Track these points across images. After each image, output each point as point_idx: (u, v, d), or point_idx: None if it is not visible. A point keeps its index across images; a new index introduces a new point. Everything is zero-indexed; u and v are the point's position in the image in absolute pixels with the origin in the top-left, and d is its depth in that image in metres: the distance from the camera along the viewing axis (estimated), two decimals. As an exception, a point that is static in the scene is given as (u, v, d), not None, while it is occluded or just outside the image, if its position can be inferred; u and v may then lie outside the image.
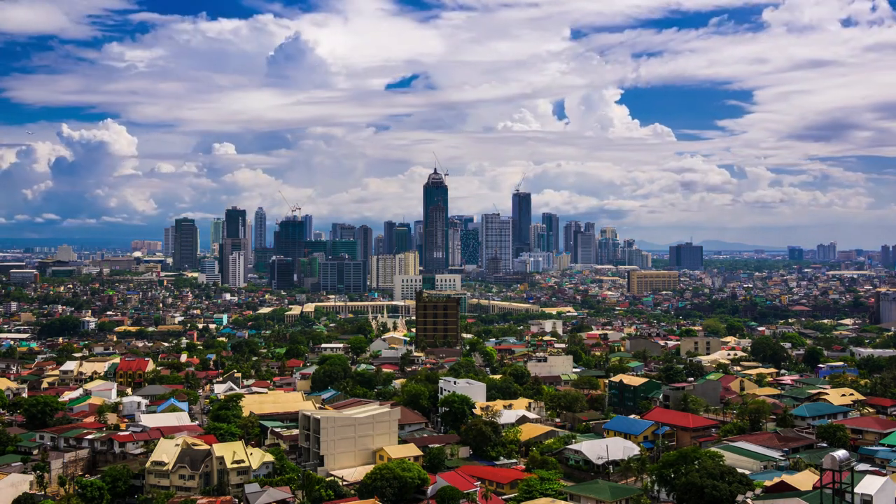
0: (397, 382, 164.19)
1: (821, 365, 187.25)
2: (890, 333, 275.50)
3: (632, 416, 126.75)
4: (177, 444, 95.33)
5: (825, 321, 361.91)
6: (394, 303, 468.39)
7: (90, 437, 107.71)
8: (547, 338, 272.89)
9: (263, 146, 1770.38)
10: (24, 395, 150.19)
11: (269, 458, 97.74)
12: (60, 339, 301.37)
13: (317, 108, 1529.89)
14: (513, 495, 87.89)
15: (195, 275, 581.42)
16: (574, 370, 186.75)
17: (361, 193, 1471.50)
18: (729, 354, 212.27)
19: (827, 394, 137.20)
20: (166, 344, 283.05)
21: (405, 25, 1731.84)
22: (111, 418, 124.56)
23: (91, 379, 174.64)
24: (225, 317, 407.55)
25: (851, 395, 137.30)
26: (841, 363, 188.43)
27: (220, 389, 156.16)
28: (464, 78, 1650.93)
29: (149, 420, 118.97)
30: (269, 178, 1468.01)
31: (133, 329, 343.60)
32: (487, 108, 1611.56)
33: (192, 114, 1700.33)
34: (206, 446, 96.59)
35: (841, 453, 73.10)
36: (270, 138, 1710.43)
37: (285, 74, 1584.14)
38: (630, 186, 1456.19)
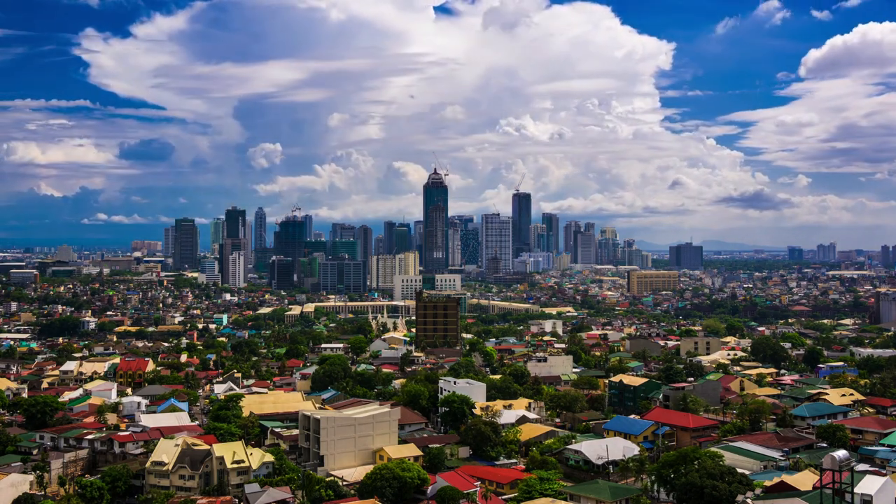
0: (397, 382, 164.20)
1: (821, 365, 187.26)
2: (890, 333, 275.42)
3: (632, 416, 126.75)
4: (177, 444, 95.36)
5: (825, 321, 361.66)
6: (394, 303, 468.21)
7: (90, 437, 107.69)
8: (547, 338, 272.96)
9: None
10: (24, 395, 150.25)
11: (269, 458, 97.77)
12: (60, 339, 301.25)
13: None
14: (513, 495, 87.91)
15: (195, 275, 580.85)
16: (574, 370, 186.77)
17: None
18: (729, 354, 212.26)
19: (827, 394, 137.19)
20: (166, 344, 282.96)
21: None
22: (111, 418, 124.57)
23: (91, 379, 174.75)
24: (225, 317, 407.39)
25: (851, 395, 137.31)
26: (841, 363, 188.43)
27: (220, 389, 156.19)
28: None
29: (149, 420, 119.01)
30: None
31: (133, 329, 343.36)
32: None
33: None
34: (206, 446, 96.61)
35: (841, 453, 73.11)
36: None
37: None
38: (644, 185, 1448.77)
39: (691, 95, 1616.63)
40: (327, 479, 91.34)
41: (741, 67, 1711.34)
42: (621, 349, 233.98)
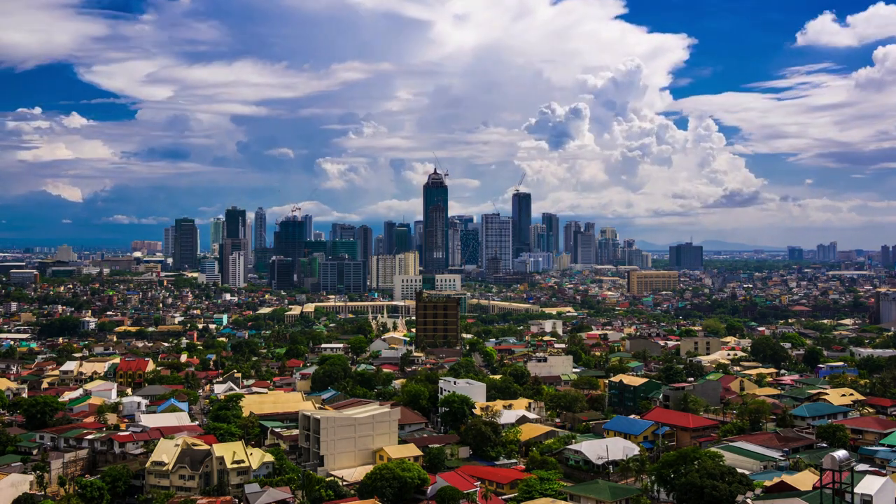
0: (397, 382, 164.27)
1: (821, 365, 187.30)
2: (890, 333, 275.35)
3: (632, 416, 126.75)
4: (177, 444, 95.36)
5: (825, 321, 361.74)
6: (394, 303, 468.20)
7: (90, 437, 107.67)
8: (547, 338, 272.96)
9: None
10: (24, 395, 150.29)
11: (269, 458, 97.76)
12: (60, 340, 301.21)
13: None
14: (513, 495, 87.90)
15: (195, 275, 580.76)
16: (574, 370, 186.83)
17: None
18: (729, 354, 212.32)
19: (827, 394, 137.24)
20: (166, 344, 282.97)
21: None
22: (111, 418, 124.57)
23: (91, 379, 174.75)
24: (225, 317, 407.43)
25: (851, 395, 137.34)
26: (841, 363, 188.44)
27: (220, 389, 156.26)
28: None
29: (149, 420, 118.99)
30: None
31: (133, 329, 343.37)
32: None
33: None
34: (206, 446, 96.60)
35: (841, 453, 73.07)
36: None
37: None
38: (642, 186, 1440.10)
39: (703, 91, 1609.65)
40: (327, 479, 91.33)
41: (757, 65, 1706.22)
42: (621, 349, 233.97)
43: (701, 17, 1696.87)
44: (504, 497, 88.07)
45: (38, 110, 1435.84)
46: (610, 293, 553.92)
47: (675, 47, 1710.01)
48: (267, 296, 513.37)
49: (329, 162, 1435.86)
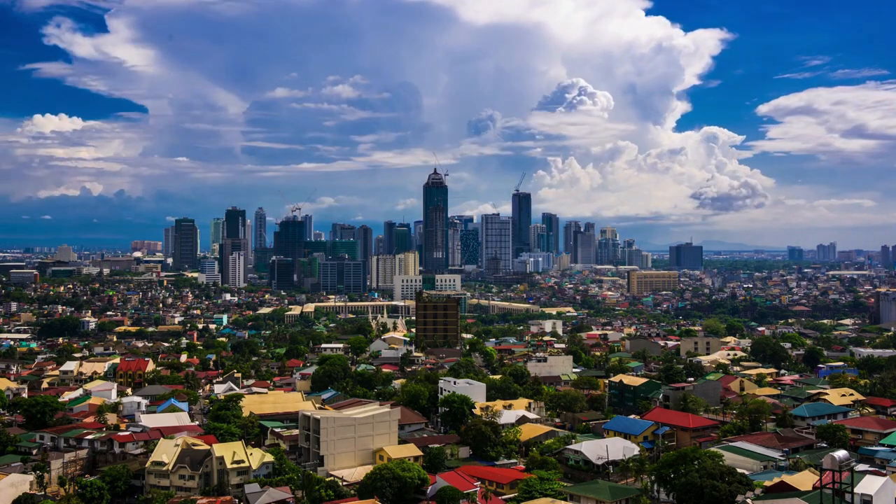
0: (397, 382, 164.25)
1: (821, 365, 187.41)
2: (890, 333, 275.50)
3: (632, 417, 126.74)
4: (177, 445, 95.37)
5: (825, 321, 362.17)
6: (394, 303, 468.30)
7: (90, 437, 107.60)
8: (547, 338, 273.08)
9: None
10: (24, 395, 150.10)
11: (269, 458, 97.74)
12: (60, 340, 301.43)
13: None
14: (513, 495, 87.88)
15: (195, 275, 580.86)
16: (574, 370, 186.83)
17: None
18: (729, 354, 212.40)
19: (827, 394, 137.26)
20: (166, 344, 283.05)
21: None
22: (111, 418, 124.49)
23: (91, 379, 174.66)
24: (225, 317, 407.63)
25: (851, 395, 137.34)
26: (841, 363, 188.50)
27: (219, 389, 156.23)
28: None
29: (149, 420, 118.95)
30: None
31: (133, 329, 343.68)
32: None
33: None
34: (206, 446, 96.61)
35: (841, 453, 73.06)
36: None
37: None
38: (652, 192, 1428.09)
39: (722, 89, 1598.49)
40: (327, 479, 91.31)
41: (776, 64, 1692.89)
42: (621, 349, 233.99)
43: (731, 13, 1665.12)
44: (504, 497, 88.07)
45: (50, 116, 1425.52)
46: (610, 293, 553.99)
47: (706, 41, 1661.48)
48: (267, 296, 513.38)
49: (355, 161, 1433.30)
